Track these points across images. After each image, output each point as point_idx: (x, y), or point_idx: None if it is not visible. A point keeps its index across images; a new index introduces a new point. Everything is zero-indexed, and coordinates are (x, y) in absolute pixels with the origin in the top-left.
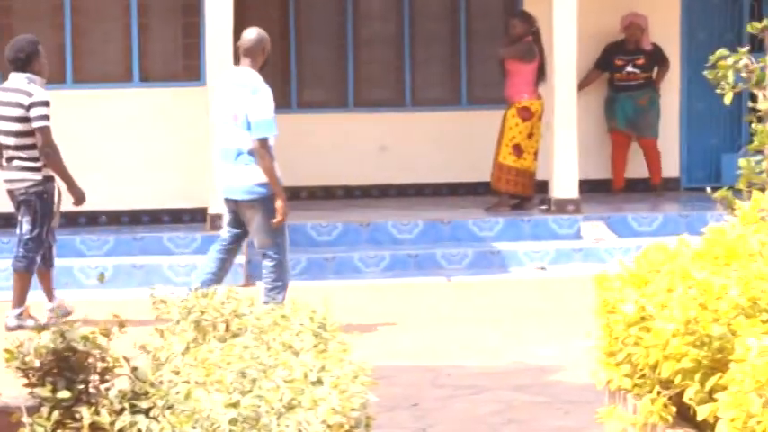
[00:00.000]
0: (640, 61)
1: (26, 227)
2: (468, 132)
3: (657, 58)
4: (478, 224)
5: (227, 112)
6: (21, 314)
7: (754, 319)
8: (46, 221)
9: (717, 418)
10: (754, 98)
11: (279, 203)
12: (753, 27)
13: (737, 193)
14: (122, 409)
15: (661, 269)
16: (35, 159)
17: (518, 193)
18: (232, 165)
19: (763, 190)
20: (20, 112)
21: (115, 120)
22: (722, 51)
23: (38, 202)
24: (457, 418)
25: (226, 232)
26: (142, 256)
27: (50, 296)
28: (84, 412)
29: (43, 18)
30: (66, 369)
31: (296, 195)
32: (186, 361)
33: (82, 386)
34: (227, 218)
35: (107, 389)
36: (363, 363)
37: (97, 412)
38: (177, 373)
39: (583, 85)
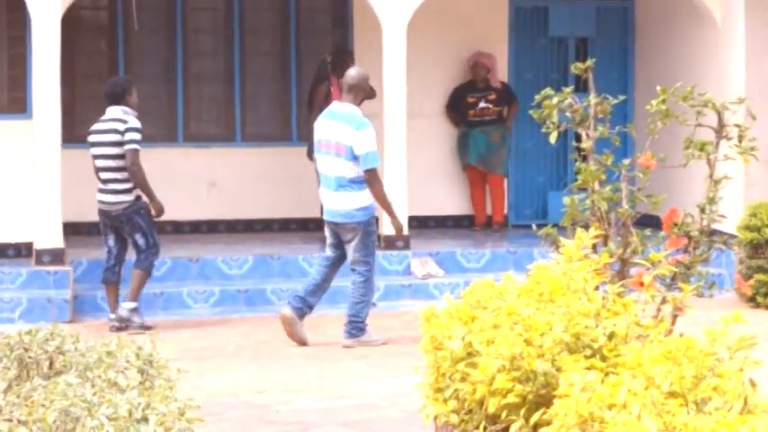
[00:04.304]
0: (492, 97)
1: (140, 241)
2: (298, 169)
3: (507, 96)
4: (308, 260)
5: (329, 144)
6: (134, 309)
7: (578, 354)
8: (153, 229)
9: None
10: (578, 137)
11: (393, 221)
12: (577, 68)
13: (562, 230)
14: None
15: (488, 305)
16: (127, 181)
17: None
18: (333, 192)
19: (586, 227)
20: (116, 138)
21: None
22: (547, 91)
23: (139, 218)
24: None
25: (329, 251)
26: None
27: (114, 307)
28: None
29: None
30: None
31: None
32: (8, 399)
33: None
34: (329, 240)
35: None
36: (190, 399)
37: None
38: None
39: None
